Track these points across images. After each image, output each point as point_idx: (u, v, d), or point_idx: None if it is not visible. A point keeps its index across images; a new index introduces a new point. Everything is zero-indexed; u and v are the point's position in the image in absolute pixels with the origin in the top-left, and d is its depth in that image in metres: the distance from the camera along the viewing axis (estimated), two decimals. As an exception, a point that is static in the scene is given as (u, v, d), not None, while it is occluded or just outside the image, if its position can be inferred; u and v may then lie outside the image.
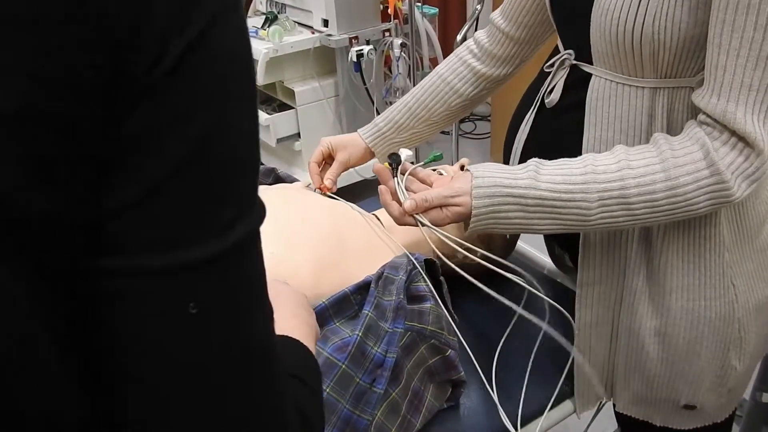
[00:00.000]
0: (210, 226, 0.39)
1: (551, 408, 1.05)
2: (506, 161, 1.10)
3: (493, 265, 0.90)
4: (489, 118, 3.65)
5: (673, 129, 0.87)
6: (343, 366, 0.88)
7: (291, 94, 2.78)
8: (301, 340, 0.62)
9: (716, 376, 0.97)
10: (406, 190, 0.95)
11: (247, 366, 0.42)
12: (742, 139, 0.77)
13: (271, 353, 0.45)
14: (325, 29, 2.69)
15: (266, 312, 0.46)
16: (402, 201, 0.93)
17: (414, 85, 2.72)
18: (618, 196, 0.82)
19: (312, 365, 0.61)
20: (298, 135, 2.85)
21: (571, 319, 0.98)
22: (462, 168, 1.28)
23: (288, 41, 2.63)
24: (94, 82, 0.34)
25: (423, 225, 0.91)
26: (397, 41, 2.70)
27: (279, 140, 2.82)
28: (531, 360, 1.08)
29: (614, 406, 1.08)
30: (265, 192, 1.23)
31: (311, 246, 1.02)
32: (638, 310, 0.96)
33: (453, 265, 0.93)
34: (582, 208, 0.83)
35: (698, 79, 0.83)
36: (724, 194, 0.80)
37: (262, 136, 2.86)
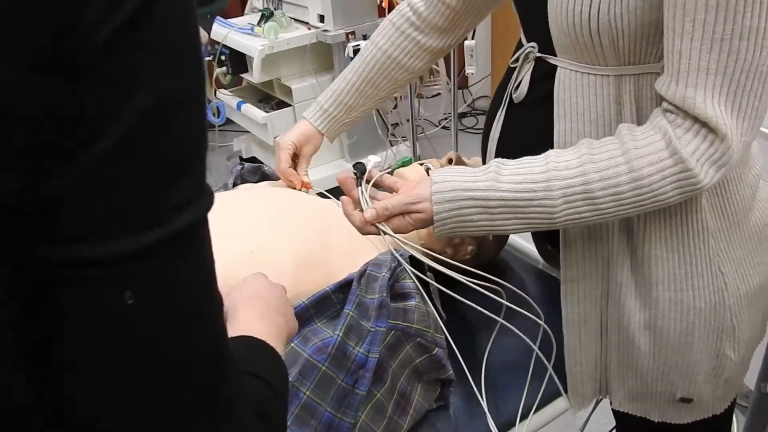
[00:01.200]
0: (151, 213, 0.37)
1: (541, 407, 1.02)
2: (483, 160, 1.09)
3: (470, 275, 0.89)
4: (491, 111, 3.61)
5: (643, 116, 0.86)
6: (324, 367, 0.86)
7: (288, 91, 2.76)
8: (268, 341, 0.60)
9: (711, 367, 0.95)
10: (372, 199, 0.94)
11: (189, 361, 0.41)
12: (704, 125, 0.76)
13: (220, 350, 0.44)
14: (321, 25, 2.67)
15: (214, 306, 0.44)
16: (363, 209, 0.92)
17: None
18: (581, 192, 0.81)
19: (278, 367, 0.58)
20: (297, 132, 2.82)
21: (546, 327, 0.96)
22: (450, 162, 1.26)
23: (284, 38, 2.61)
24: (34, 62, 0.33)
25: (386, 234, 0.90)
26: (394, 35, 2.66)
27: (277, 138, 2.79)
28: (532, 360, 1.05)
29: (611, 403, 1.05)
30: (249, 189, 1.22)
31: (293, 244, 1.00)
32: (626, 304, 0.94)
33: (437, 266, 0.90)
34: (546, 207, 0.82)
35: (662, 64, 0.82)
36: (690, 182, 0.78)
37: (260, 134, 2.85)
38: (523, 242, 1.40)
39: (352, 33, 2.64)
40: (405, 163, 1.08)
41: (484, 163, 1.08)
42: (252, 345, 0.59)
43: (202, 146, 0.41)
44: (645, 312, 0.93)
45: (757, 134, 0.81)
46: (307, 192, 1.20)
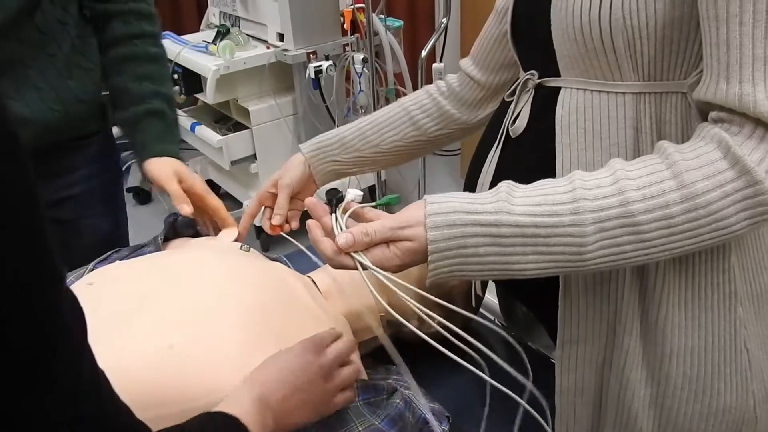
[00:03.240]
0: None
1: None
2: None
3: (454, 335, 0.71)
4: (459, 134, 3.48)
5: None
6: None
7: (246, 113, 2.60)
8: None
9: None
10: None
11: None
12: None
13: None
14: (280, 44, 2.52)
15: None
16: (337, 236, 0.72)
17: (378, 104, 2.61)
18: (619, 215, 0.64)
19: None
20: (255, 156, 2.67)
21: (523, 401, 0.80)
22: None
23: (240, 57, 2.46)
24: None
25: (364, 267, 0.69)
26: (359, 56, 2.54)
27: (233, 162, 2.64)
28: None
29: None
30: (175, 257, 1.00)
31: (224, 332, 0.83)
32: (630, 377, 0.80)
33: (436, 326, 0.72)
34: (574, 236, 0.65)
35: (691, 82, 0.69)
36: (760, 200, 0.62)
37: (216, 158, 2.68)
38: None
39: (314, 53, 2.50)
40: (391, 201, 0.87)
41: None
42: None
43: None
44: (652, 388, 0.79)
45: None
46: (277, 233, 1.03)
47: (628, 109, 0.72)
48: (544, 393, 0.79)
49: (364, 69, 2.56)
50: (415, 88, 2.70)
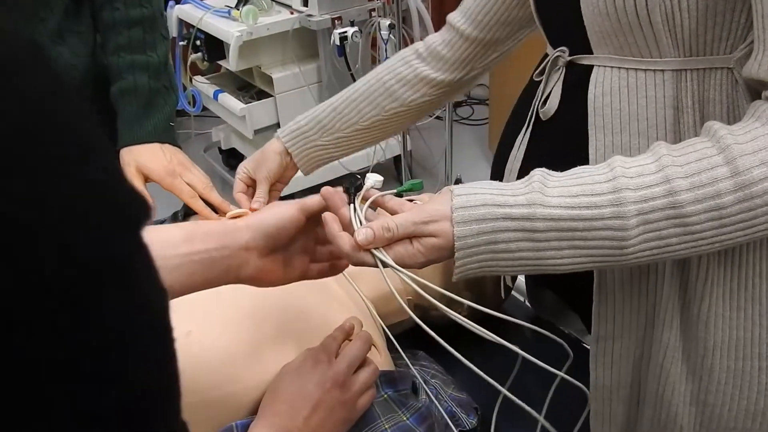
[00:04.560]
0: None
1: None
2: None
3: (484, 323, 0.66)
4: (487, 102, 3.40)
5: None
6: None
7: (269, 80, 2.54)
8: None
9: None
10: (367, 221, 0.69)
11: None
12: None
13: None
14: (305, 9, 2.46)
15: None
16: (356, 231, 0.67)
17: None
18: (666, 206, 0.58)
19: None
20: (278, 125, 2.62)
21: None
22: None
23: (264, 23, 2.40)
24: None
25: (385, 265, 0.64)
26: (385, 22, 2.46)
27: (257, 131, 2.59)
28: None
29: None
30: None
31: (241, 320, 0.80)
32: (670, 372, 0.75)
33: (464, 321, 0.68)
34: (615, 229, 0.59)
35: (738, 56, 0.63)
36: None
37: (239, 126, 2.64)
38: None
39: (339, 18, 2.43)
40: (414, 187, 0.81)
41: None
42: None
43: None
44: (693, 383, 0.74)
45: None
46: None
47: (667, 88, 0.66)
48: (579, 379, 0.74)
49: (391, 35, 2.48)
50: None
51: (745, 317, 0.70)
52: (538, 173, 0.64)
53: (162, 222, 1.03)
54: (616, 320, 0.76)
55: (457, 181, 2.68)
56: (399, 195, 0.77)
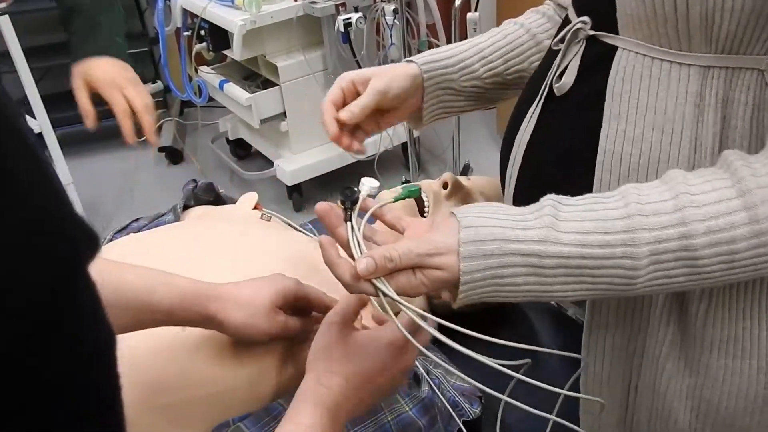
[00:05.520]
0: None
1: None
2: (503, 164, 0.85)
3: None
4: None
5: (729, 127, 0.64)
6: None
7: (274, 69, 2.53)
8: None
9: None
10: (366, 240, 0.67)
11: None
12: None
13: None
14: (308, -4, 2.43)
15: None
16: (356, 258, 0.64)
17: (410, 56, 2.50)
18: (679, 248, 0.58)
19: None
20: (284, 114, 2.61)
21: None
22: (445, 186, 1.03)
23: (267, 11, 2.38)
24: None
25: (386, 296, 0.61)
26: (389, 7, 2.44)
27: (263, 120, 2.58)
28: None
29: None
30: (192, 233, 0.94)
31: None
32: (666, 367, 0.73)
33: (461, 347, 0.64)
34: (626, 268, 0.59)
35: None
36: None
37: (245, 116, 2.63)
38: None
39: (343, 5, 2.40)
40: (411, 194, 0.78)
41: (502, 177, 0.85)
42: None
43: None
44: (690, 378, 0.73)
45: None
46: (357, 153, 0.83)
47: (691, 83, 0.64)
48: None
49: (396, 20, 2.46)
50: (448, 40, 2.59)
51: (743, 316, 0.69)
52: (549, 202, 0.62)
53: (162, 216, 1.03)
54: (610, 310, 0.74)
55: (466, 167, 2.66)
56: (405, 197, 0.76)
